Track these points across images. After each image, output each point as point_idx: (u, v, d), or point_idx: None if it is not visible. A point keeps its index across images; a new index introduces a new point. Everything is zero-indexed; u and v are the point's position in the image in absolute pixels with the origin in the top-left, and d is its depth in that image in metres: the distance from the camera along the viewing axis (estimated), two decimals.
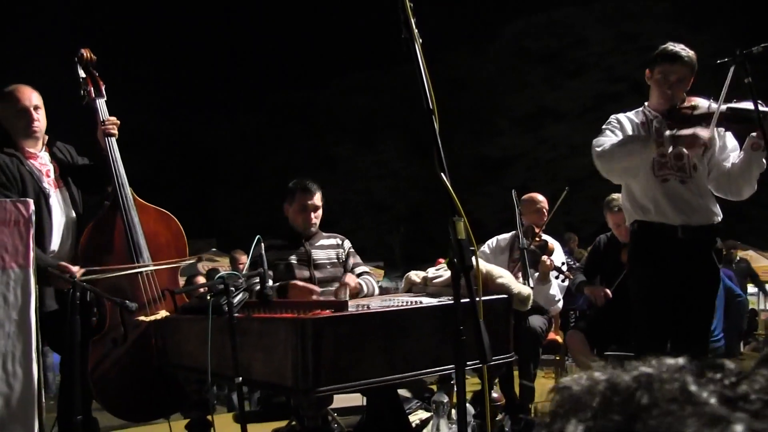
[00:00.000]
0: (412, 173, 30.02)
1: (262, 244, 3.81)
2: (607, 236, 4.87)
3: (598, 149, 3.44)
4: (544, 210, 4.93)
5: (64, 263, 3.27)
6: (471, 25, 31.20)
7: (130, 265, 3.55)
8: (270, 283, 2.90)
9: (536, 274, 4.61)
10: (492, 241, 5.02)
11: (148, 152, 34.74)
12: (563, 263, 4.57)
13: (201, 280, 7.29)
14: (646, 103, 3.62)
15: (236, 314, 2.74)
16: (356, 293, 3.84)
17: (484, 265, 3.25)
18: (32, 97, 3.56)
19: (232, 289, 2.56)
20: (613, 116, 3.62)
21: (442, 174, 1.66)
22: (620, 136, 3.47)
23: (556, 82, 27.85)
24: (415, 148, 30.13)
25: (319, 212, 4.00)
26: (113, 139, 3.75)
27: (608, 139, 3.46)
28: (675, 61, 3.40)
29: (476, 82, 29.77)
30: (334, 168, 31.14)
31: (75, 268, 3.24)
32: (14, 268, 2.47)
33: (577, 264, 5.74)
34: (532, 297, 3.31)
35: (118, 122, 3.79)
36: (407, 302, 2.95)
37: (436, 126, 1.72)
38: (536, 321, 4.68)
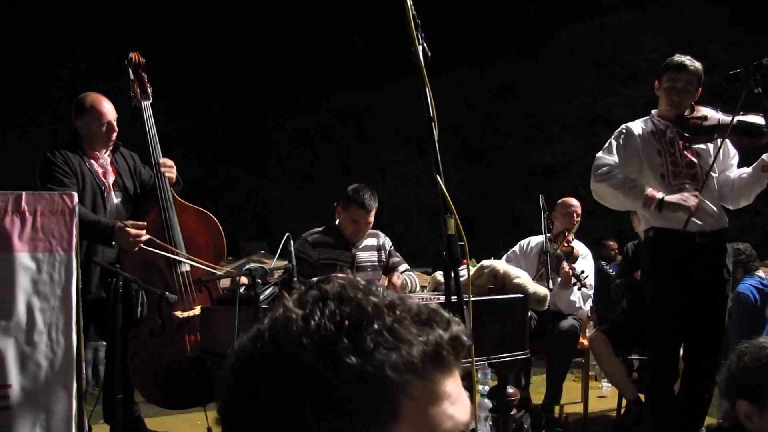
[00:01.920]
0: (464, 178, 30.06)
1: (307, 239, 3.97)
2: (635, 243, 4.93)
3: (598, 172, 3.56)
4: (575, 214, 4.99)
5: (134, 221, 3.50)
6: (524, 32, 31.08)
7: (189, 255, 3.71)
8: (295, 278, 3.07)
9: (559, 279, 4.69)
10: (524, 242, 5.10)
11: (204, 154, 35.63)
12: (582, 272, 4.61)
13: (245, 280, 7.50)
14: (653, 112, 3.69)
15: (265, 306, 2.94)
16: (403, 290, 3.96)
17: (503, 266, 3.38)
18: (113, 110, 3.82)
19: (259, 281, 2.74)
20: (623, 126, 3.69)
21: (438, 176, 1.81)
22: (620, 156, 3.56)
23: (610, 88, 27.49)
24: (467, 154, 30.17)
25: (370, 226, 4.04)
26: (158, 143, 3.98)
27: (610, 159, 3.57)
28: (681, 69, 3.51)
29: (529, 89, 29.65)
30: (387, 172, 31.38)
31: (143, 231, 3.47)
32: (59, 251, 2.81)
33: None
34: (549, 298, 3.41)
35: (174, 167, 3.97)
36: (420, 299, 3.10)
37: (436, 134, 1.88)
38: (569, 322, 4.75)
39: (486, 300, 3.15)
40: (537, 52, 30.31)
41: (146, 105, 4.05)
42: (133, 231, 3.41)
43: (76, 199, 2.92)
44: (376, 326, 0.68)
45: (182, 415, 4.46)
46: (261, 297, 2.95)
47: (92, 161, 3.81)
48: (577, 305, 4.76)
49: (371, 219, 3.99)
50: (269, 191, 35.33)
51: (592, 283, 4.85)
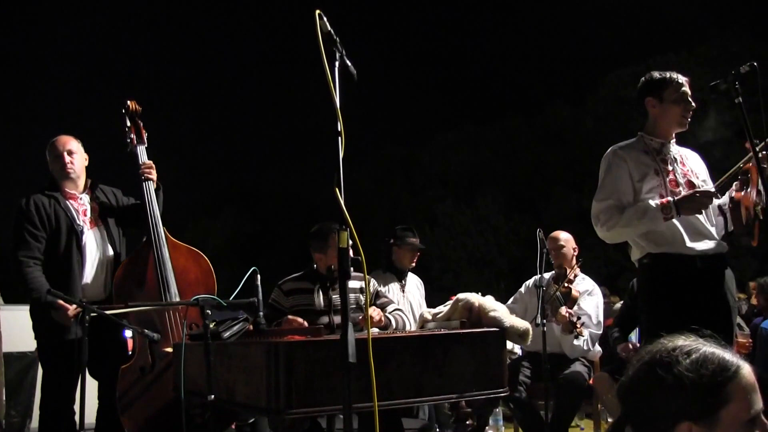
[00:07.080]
0: (513, 229, 29.69)
1: (282, 288, 3.94)
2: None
3: (601, 222, 3.31)
4: (563, 249, 4.79)
5: (62, 303, 3.55)
6: (569, 78, 31.01)
7: (124, 304, 3.61)
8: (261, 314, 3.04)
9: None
10: (533, 280, 4.91)
11: (257, 208, 36.28)
12: (579, 318, 4.35)
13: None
14: (640, 133, 3.48)
15: (231, 341, 2.92)
16: (384, 327, 3.85)
17: (478, 299, 3.25)
18: (66, 144, 3.98)
19: (208, 312, 2.71)
20: (611, 153, 3.43)
21: (337, 189, 1.77)
22: (610, 189, 3.32)
23: None
24: (516, 204, 29.87)
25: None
26: (149, 183, 4.06)
27: (604, 204, 3.31)
28: (680, 79, 3.36)
29: (576, 135, 29.33)
30: (435, 223, 31.27)
31: (72, 308, 3.57)
32: None
33: None
34: (530, 332, 3.25)
35: (154, 167, 4.11)
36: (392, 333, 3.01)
37: (342, 148, 1.84)
38: (576, 369, 4.51)
39: (456, 333, 3.04)
40: (583, 98, 30.06)
41: (141, 149, 4.21)
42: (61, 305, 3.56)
43: None
44: None
45: None
46: (229, 333, 2.94)
47: (70, 202, 3.95)
48: (585, 348, 4.49)
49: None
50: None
51: (596, 324, 4.61)
